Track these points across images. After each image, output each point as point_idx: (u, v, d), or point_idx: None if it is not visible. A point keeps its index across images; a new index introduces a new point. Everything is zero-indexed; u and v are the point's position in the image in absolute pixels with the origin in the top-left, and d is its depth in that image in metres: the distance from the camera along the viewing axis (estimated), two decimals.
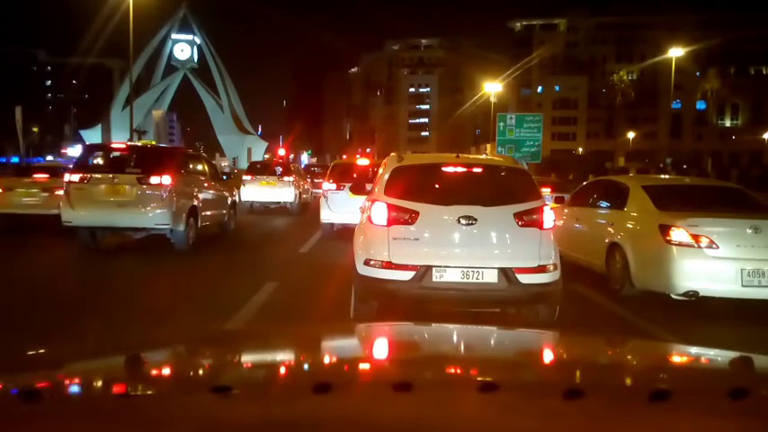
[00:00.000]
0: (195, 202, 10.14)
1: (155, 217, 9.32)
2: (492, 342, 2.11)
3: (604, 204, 8.12)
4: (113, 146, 11.24)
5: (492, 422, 1.07)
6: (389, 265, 4.99)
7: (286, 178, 19.04)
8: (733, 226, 6.23)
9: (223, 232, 12.05)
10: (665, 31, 61.14)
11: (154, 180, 9.37)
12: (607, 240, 7.34)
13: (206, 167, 11.52)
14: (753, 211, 6.77)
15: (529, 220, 5.14)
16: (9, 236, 11.32)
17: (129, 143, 14.21)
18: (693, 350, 2.06)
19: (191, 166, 10.79)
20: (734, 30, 64.79)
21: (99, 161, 10.30)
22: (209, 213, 10.86)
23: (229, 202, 12.37)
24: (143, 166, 9.58)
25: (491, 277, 4.94)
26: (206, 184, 11.05)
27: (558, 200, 9.85)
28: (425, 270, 4.94)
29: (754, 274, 5.95)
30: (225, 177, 12.83)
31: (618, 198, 7.55)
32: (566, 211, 8.88)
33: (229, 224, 12.33)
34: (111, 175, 9.47)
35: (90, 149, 12.02)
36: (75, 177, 9.47)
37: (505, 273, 4.94)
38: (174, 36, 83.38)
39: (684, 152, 62.25)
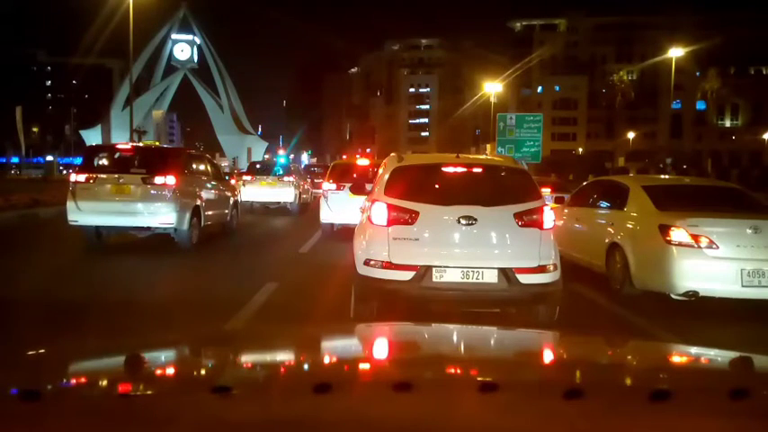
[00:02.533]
0: (198, 202, 10.22)
1: (159, 216, 9.40)
2: (492, 342, 2.11)
3: (604, 204, 8.11)
4: (118, 146, 11.30)
5: (492, 422, 1.07)
6: (389, 266, 4.99)
7: (286, 178, 19.05)
8: (733, 226, 6.23)
9: (226, 231, 12.10)
10: (665, 31, 61.10)
11: (158, 180, 9.44)
12: (607, 240, 7.34)
13: (209, 167, 11.60)
14: (753, 211, 6.76)
15: (529, 220, 5.13)
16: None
17: (133, 144, 14.33)
18: (693, 350, 2.06)
19: (194, 166, 10.85)
20: (734, 30, 64.67)
21: (104, 161, 10.35)
22: (211, 213, 10.94)
23: (232, 201, 12.42)
24: (147, 167, 9.65)
25: (491, 277, 4.94)
26: (209, 184, 11.13)
27: (558, 200, 9.87)
28: (425, 270, 4.94)
29: (754, 274, 5.95)
30: (227, 177, 12.87)
31: (618, 198, 7.55)
32: (566, 211, 8.88)
33: (232, 223, 12.41)
34: (116, 176, 9.54)
35: (95, 150, 12.08)
36: (82, 177, 9.55)
37: (505, 273, 4.94)
38: (173, 36, 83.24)
39: (684, 152, 62.18)
